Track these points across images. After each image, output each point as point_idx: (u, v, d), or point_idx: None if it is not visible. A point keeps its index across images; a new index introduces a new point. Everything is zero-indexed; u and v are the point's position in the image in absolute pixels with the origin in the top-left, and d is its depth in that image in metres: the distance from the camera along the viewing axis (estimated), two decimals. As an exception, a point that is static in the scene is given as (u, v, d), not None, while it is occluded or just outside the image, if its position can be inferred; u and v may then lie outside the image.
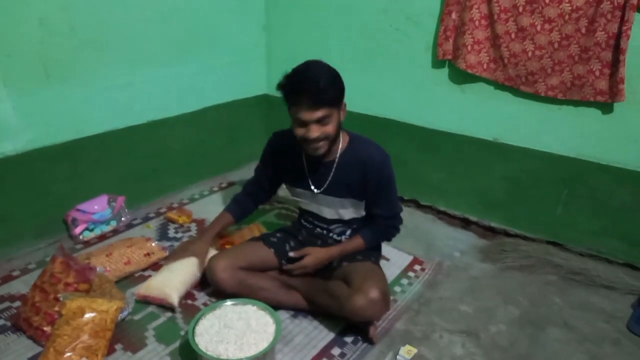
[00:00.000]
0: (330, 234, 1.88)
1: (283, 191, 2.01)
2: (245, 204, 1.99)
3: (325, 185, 1.76)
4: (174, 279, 1.79)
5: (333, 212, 1.82)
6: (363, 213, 1.83)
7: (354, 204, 1.78)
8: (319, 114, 1.50)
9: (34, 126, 2.05)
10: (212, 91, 2.78)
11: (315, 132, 1.53)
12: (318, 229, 1.90)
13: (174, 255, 1.89)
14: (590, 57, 1.95)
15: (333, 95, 1.53)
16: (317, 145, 1.58)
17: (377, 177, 1.69)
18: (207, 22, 2.61)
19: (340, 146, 1.71)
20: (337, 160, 1.72)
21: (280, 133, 1.86)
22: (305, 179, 1.79)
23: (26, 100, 1.99)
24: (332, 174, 1.73)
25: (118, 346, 1.62)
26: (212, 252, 1.90)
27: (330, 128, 1.56)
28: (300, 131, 1.57)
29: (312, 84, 1.47)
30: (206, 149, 2.86)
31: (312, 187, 1.78)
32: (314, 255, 1.76)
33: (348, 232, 1.87)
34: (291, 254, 1.79)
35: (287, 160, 1.83)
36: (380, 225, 1.80)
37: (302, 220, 1.96)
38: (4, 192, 2.02)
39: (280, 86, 1.56)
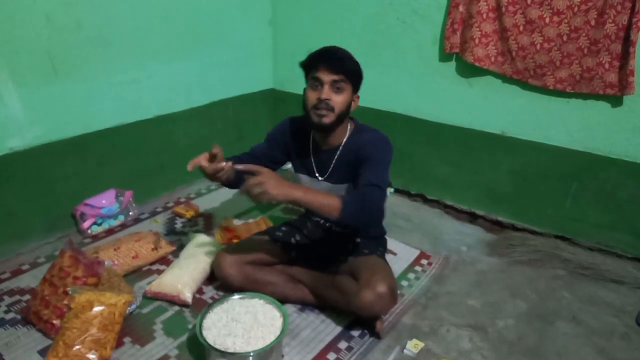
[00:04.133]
0: (333, 227, 1.88)
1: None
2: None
3: (328, 173, 1.76)
4: (185, 276, 1.80)
5: None
6: None
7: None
8: (335, 77, 1.57)
9: (41, 122, 2.06)
10: (218, 86, 2.78)
11: (327, 93, 1.58)
12: (322, 221, 1.90)
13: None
14: (600, 50, 1.93)
15: (352, 69, 1.61)
16: (323, 112, 1.59)
17: (367, 151, 1.62)
18: (212, 17, 2.61)
19: (346, 134, 1.72)
20: (341, 147, 1.72)
21: (294, 118, 1.85)
22: (310, 165, 1.80)
23: (34, 96, 2.00)
24: (334, 160, 1.73)
25: (126, 339, 1.63)
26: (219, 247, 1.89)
27: (341, 99, 1.59)
28: (312, 94, 1.60)
29: (335, 51, 1.63)
30: (212, 143, 2.85)
31: (317, 174, 1.79)
32: (268, 174, 1.44)
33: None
34: (239, 167, 1.56)
35: (296, 146, 1.83)
36: (360, 190, 1.55)
37: (307, 212, 1.96)
38: (13, 187, 2.04)
39: (304, 60, 1.65)
